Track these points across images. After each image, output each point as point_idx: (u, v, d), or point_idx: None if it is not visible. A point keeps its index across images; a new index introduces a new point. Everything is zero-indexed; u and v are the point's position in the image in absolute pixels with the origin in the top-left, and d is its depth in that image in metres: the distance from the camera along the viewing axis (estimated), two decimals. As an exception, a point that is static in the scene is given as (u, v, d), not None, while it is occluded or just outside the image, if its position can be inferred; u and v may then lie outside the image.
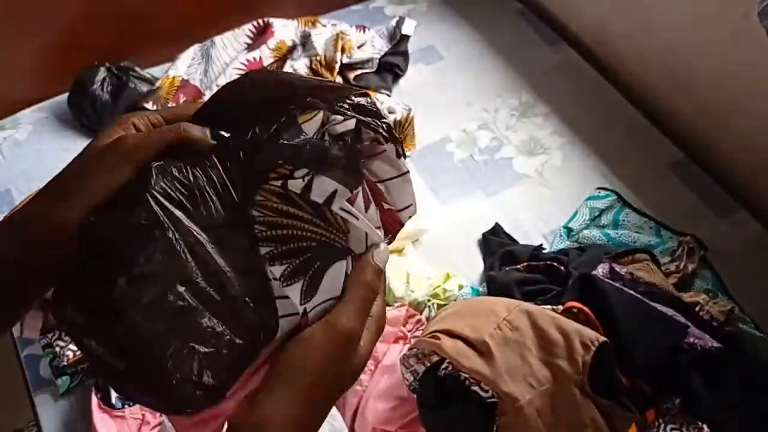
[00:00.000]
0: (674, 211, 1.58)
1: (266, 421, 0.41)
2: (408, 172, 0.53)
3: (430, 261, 1.50)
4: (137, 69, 1.81)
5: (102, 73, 1.74)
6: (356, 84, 1.86)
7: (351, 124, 0.47)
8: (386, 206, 0.52)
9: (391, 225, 0.54)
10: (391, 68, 1.90)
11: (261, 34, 1.93)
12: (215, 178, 0.43)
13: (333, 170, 0.45)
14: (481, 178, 1.68)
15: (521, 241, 1.53)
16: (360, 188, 0.48)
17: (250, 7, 1.99)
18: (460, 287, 1.40)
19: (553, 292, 1.29)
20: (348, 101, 0.47)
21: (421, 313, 1.32)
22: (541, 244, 1.52)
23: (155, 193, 0.42)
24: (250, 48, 1.91)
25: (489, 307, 1.12)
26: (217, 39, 1.92)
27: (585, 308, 1.14)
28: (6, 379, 1.54)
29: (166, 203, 0.42)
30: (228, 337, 0.42)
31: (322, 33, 1.92)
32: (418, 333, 1.26)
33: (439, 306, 1.32)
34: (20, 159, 1.72)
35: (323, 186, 0.45)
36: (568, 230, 1.54)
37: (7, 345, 1.46)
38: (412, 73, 1.94)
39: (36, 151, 1.74)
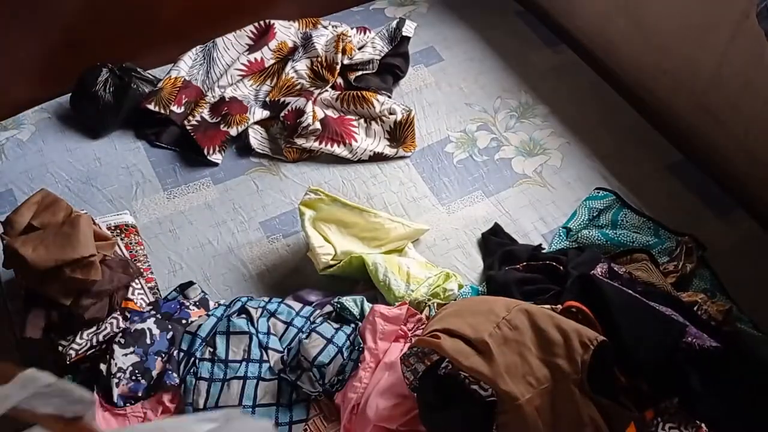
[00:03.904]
0: (673, 211, 1.59)
1: None
2: None
3: (430, 261, 1.51)
4: (139, 70, 1.82)
5: (104, 73, 1.75)
6: (357, 85, 1.87)
7: None
8: None
9: None
10: (391, 69, 1.91)
11: (262, 36, 1.94)
12: None
13: None
14: (480, 178, 1.69)
15: (520, 241, 1.54)
16: None
17: (251, 8, 2.00)
18: (460, 287, 1.41)
19: (552, 291, 1.30)
20: None
21: (421, 312, 1.33)
22: (540, 244, 1.53)
23: None
24: (251, 49, 1.92)
25: (488, 307, 1.12)
26: (219, 40, 1.93)
27: (584, 308, 1.14)
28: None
29: None
30: None
31: (323, 34, 1.93)
32: (419, 332, 1.27)
33: (439, 305, 1.32)
34: (22, 159, 1.73)
35: None
36: (567, 230, 1.55)
37: (9, 345, 1.47)
38: (413, 74, 1.95)
39: (38, 152, 1.75)
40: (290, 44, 1.94)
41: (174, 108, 1.78)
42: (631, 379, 1.12)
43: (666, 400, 1.14)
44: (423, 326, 1.27)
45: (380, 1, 2.18)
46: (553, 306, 1.18)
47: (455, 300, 1.35)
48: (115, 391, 1.23)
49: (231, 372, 1.25)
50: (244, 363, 1.26)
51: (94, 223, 1.39)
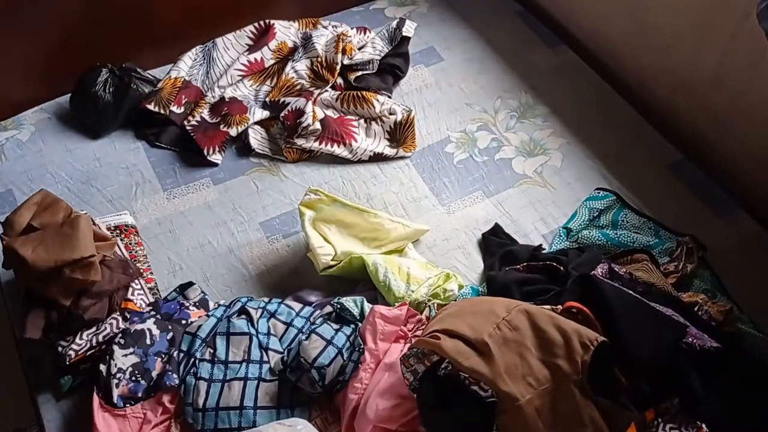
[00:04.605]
0: (673, 211, 1.59)
1: None
2: None
3: (430, 261, 1.50)
4: (139, 70, 1.82)
5: (104, 74, 1.75)
6: (357, 85, 1.87)
7: None
8: None
9: None
10: (391, 69, 1.91)
11: (262, 36, 1.94)
12: None
13: None
14: (480, 178, 1.69)
15: (521, 242, 1.54)
16: None
17: (251, 8, 2.00)
18: (460, 287, 1.41)
19: (553, 292, 1.30)
20: None
21: (421, 313, 1.33)
22: (541, 245, 1.53)
23: None
24: (251, 49, 1.92)
25: (488, 307, 1.12)
26: (219, 40, 1.93)
27: (584, 308, 1.14)
28: (8, 379, 1.55)
29: None
30: None
31: (323, 34, 1.92)
32: (419, 332, 1.27)
33: (439, 306, 1.32)
34: (22, 159, 1.73)
35: None
36: (568, 230, 1.55)
37: (10, 345, 1.47)
38: (413, 74, 1.95)
39: (38, 152, 1.75)
40: (290, 44, 1.94)
41: (174, 108, 1.78)
42: (632, 380, 1.11)
43: (666, 401, 1.13)
44: (423, 327, 1.27)
45: (380, 1, 2.18)
46: (554, 306, 1.18)
47: (455, 300, 1.35)
48: (115, 392, 1.23)
49: (231, 373, 1.25)
50: (244, 364, 1.26)
51: (94, 224, 1.39)
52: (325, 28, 1.99)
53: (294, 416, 1.22)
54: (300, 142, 1.71)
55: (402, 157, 1.74)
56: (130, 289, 1.38)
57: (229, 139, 1.75)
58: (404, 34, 1.93)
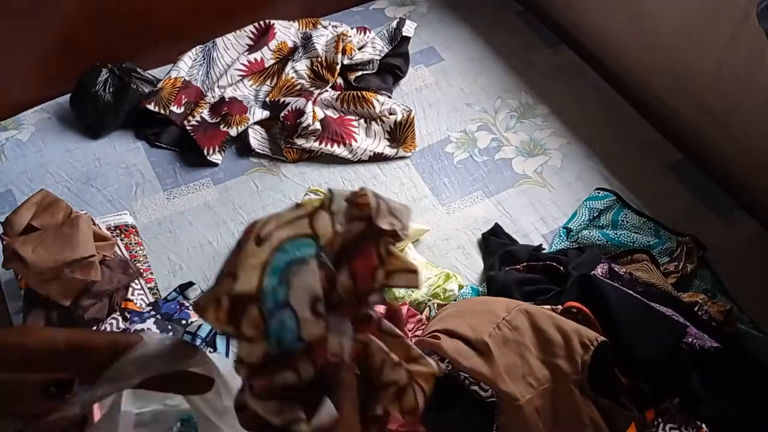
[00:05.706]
0: (673, 211, 1.59)
1: None
2: None
3: (430, 261, 1.50)
4: (139, 70, 1.82)
5: (104, 74, 1.75)
6: (357, 85, 1.87)
7: None
8: None
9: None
10: (391, 69, 1.91)
11: (262, 36, 1.94)
12: None
13: None
14: (481, 178, 1.69)
15: (521, 242, 1.54)
16: None
17: (251, 8, 2.00)
18: (460, 287, 1.41)
19: (553, 292, 1.30)
20: None
21: (421, 313, 1.33)
22: (541, 245, 1.53)
23: None
24: (251, 49, 1.92)
25: (488, 307, 1.12)
26: (219, 40, 1.93)
27: (584, 308, 1.14)
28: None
29: None
30: None
31: (323, 34, 1.92)
32: (419, 332, 1.27)
33: (440, 306, 1.32)
34: (22, 159, 1.73)
35: None
36: (568, 231, 1.55)
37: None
38: (413, 74, 1.95)
39: (38, 152, 1.75)
40: (290, 44, 1.94)
41: (174, 108, 1.78)
42: (632, 380, 1.12)
43: (666, 401, 1.14)
44: (423, 327, 1.27)
45: (380, 1, 2.18)
46: (554, 306, 1.18)
47: (455, 300, 1.35)
48: (115, 392, 1.23)
49: (231, 372, 1.25)
50: (244, 363, 1.26)
51: (94, 224, 1.39)
52: (325, 28, 1.99)
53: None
54: (300, 142, 1.71)
55: (402, 157, 1.74)
56: (130, 289, 1.38)
57: (229, 139, 1.75)
58: (404, 34, 1.93)
